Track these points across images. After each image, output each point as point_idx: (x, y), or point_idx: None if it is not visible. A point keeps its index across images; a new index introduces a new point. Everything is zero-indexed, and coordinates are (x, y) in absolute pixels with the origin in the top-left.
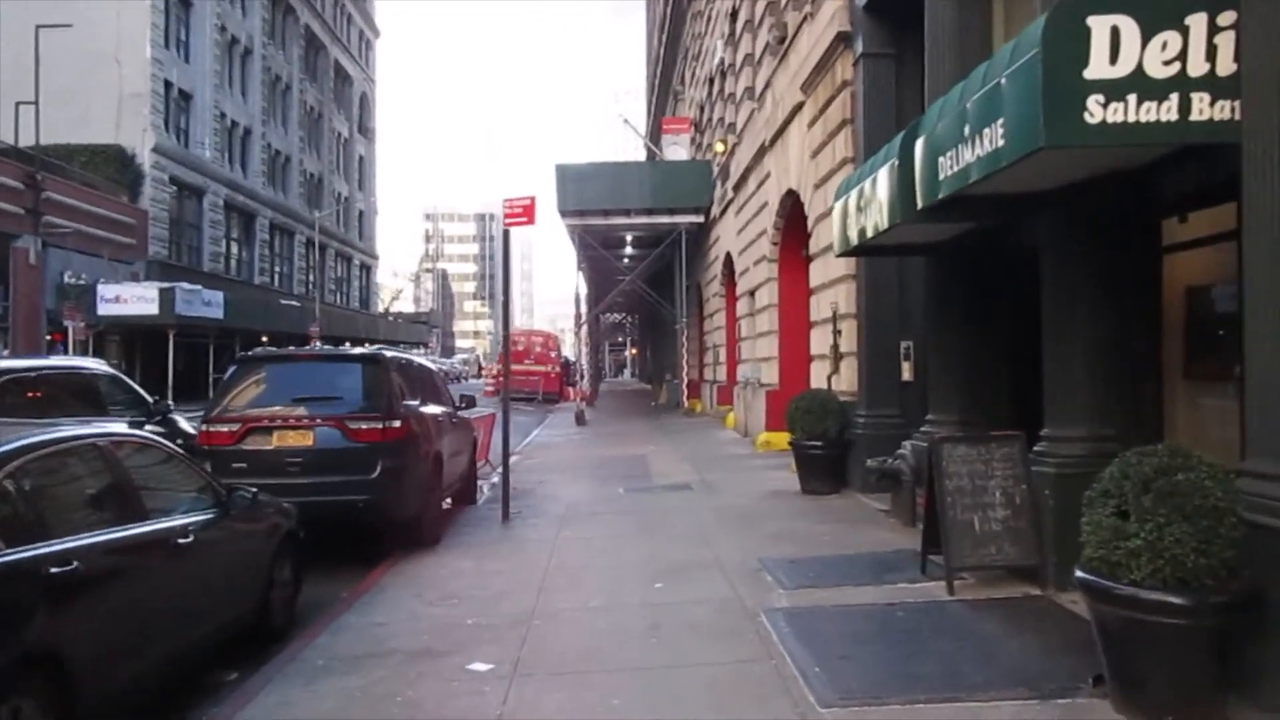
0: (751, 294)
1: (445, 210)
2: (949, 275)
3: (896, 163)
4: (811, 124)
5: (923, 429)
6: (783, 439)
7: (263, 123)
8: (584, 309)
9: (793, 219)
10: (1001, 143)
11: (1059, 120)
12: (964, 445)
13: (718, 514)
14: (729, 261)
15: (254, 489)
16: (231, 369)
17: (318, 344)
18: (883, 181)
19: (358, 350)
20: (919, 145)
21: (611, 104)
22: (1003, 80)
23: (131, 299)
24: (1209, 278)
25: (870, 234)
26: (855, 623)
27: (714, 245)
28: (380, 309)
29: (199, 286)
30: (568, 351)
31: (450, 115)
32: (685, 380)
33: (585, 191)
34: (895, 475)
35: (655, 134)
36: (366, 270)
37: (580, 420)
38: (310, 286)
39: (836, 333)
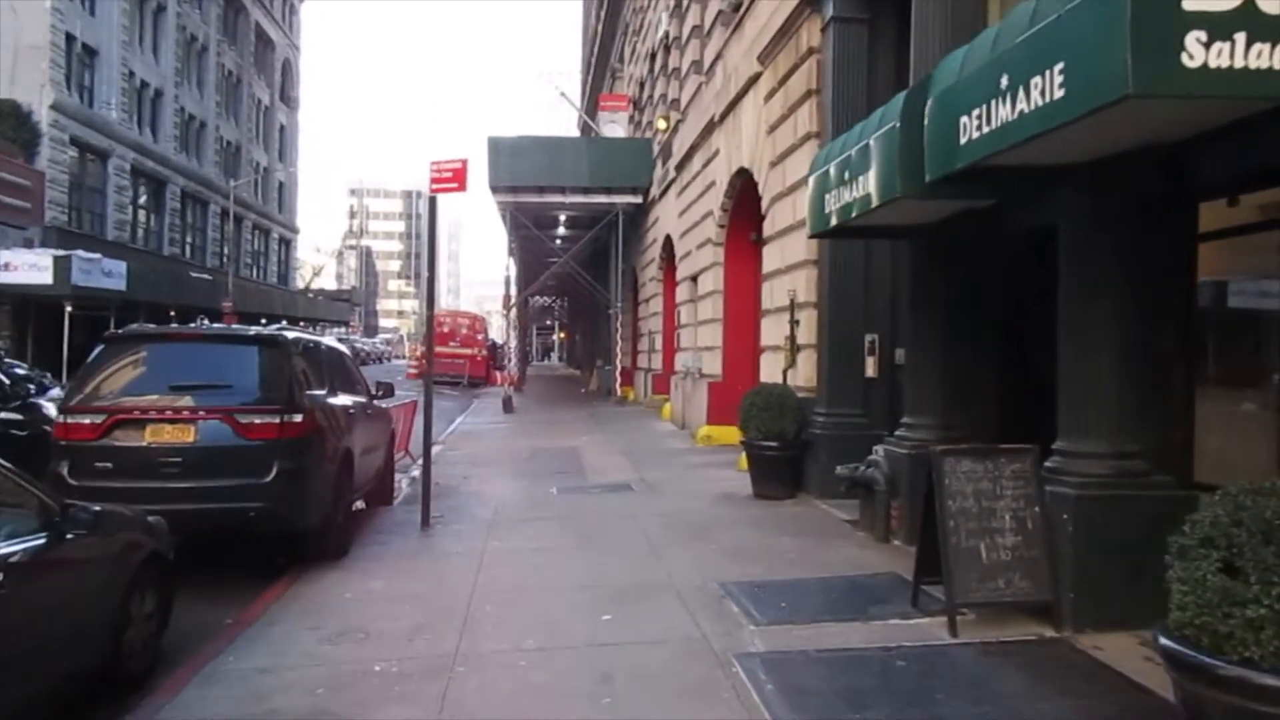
0: (694, 279)
1: (371, 186)
2: (935, 261)
3: (897, 126)
4: (769, 97)
5: (897, 433)
6: (726, 434)
7: (176, 85)
8: (514, 291)
9: (743, 200)
10: (1060, 93)
11: (1149, 62)
12: (969, 459)
13: (665, 521)
14: (669, 244)
15: (98, 506)
16: (97, 349)
17: (205, 321)
18: (876, 150)
19: (253, 329)
20: (930, 106)
21: (545, 85)
22: (1063, 15)
23: (22, 267)
24: (1255, 269)
25: (855, 212)
26: (850, 674)
27: (652, 227)
28: (300, 285)
29: (98, 255)
30: (495, 334)
31: (379, 90)
32: (619, 367)
33: (519, 167)
34: (868, 485)
35: (592, 113)
36: (286, 244)
37: (508, 407)
38: (225, 259)
39: (794, 323)
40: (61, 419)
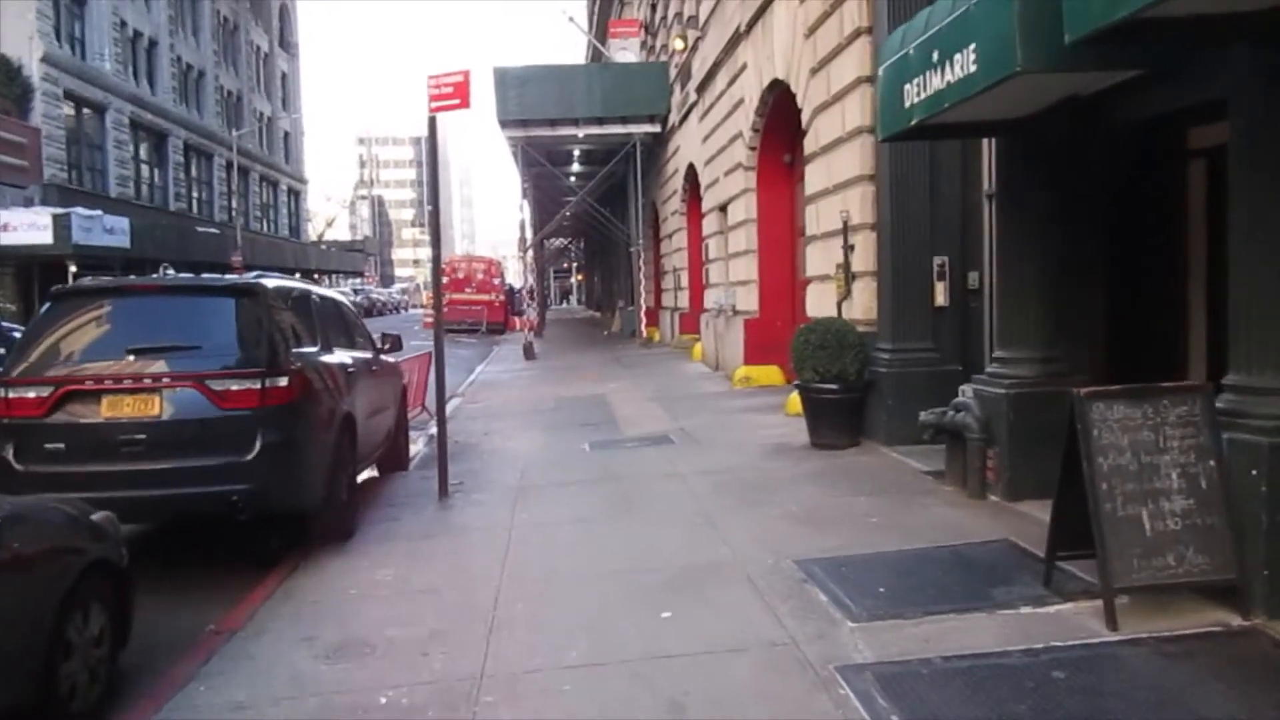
0: (722, 209)
1: (380, 134)
2: (1031, 164)
3: None
4: None
5: (990, 369)
6: (765, 374)
7: (170, 33)
8: (529, 233)
9: (778, 116)
10: None
11: None
12: (1124, 403)
13: (715, 480)
14: (691, 174)
15: (8, 505)
16: (44, 307)
17: (169, 270)
18: (983, 16)
19: (227, 278)
20: None
21: (552, 20)
22: None
23: (22, 226)
24: None
25: (950, 101)
26: (998, 695)
27: (672, 157)
28: (312, 237)
29: (99, 211)
30: (512, 279)
31: (383, 34)
32: (642, 308)
33: (528, 98)
34: (957, 431)
35: (601, 42)
36: (295, 195)
37: (529, 353)
38: (233, 213)
39: (848, 248)
40: (1, 393)
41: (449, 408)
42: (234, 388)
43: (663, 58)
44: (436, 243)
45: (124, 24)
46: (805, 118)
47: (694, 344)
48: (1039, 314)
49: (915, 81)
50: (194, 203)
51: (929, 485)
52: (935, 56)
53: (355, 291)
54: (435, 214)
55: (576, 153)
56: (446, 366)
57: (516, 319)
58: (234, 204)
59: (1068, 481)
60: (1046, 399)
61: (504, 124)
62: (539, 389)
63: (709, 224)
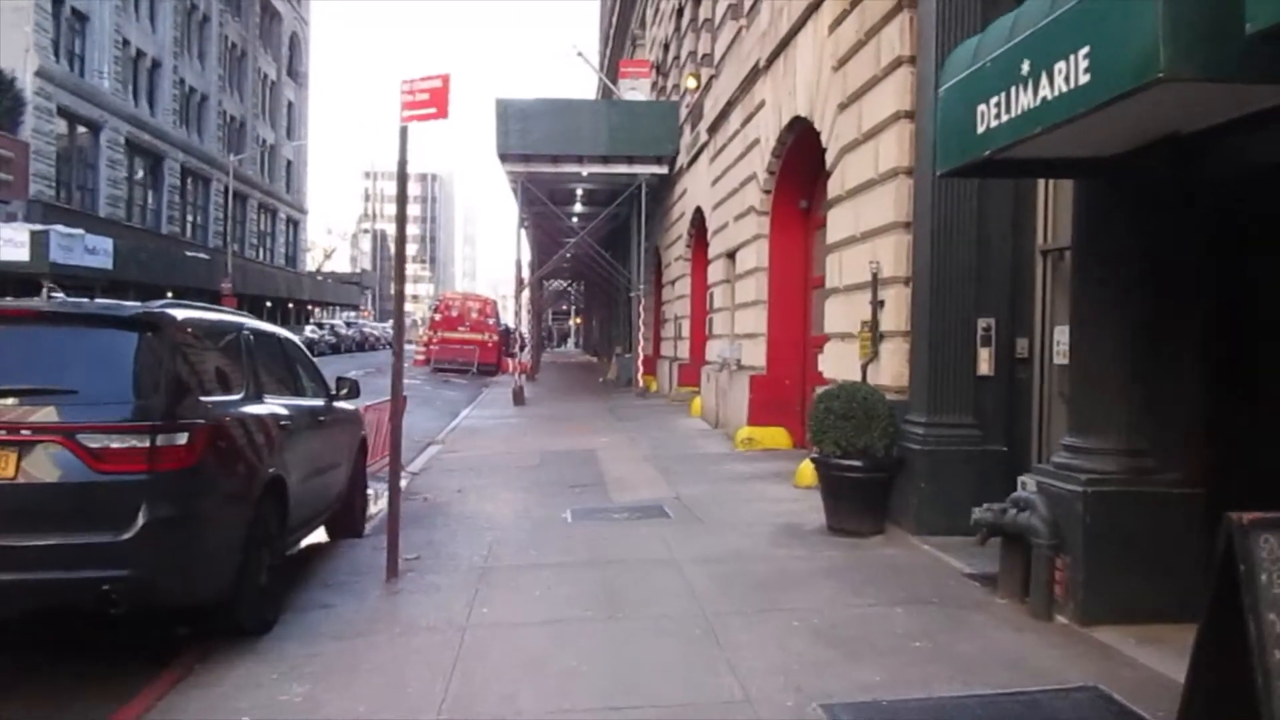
0: (730, 256)
1: (387, 169)
2: (1122, 213)
3: None
4: (836, 23)
5: (1058, 459)
6: (770, 436)
7: (175, 55)
8: (526, 272)
9: (796, 158)
10: None
11: None
12: None
13: (717, 572)
14: (699, 218)
15: None
16: None
17: (56, 293)
18: (1106, 12)
19: (126, 306)
20: None
21: (563, 61)
22: None
23: None
24: None
25: (1052, 120)
26: None
27: (679, 200)
28: (311, 267)
29: (80, 230)
30: (508, 319)
31: (394, 71)
32: (640, 356)
33: (531, 132)
34: (1020, 535)
35: (611, 82)
36: (294, 225)
37: (518, 398)
38: (228, 239)
39: (877, 304)
40: None
41: (422, 459)
42: (115, 445)
43: (674, 98)
44: (400, 273)
45: (126, 43)
46: (830, 158)
47: (693, 397)
48: (1122, 395)
49: (994, 101)
50: (188, 227)
51: (978, 595)
52: (1026, 67)
53: (348, 325)
54: (401, 240)
55: (579, 192)
56: (430, 409)
57: (509, 360)
58: (229, 230)
59: (1215, 639)
60: (1133, 501)
61: (504, 158)
62: (525, 440)
63: (715, 271)
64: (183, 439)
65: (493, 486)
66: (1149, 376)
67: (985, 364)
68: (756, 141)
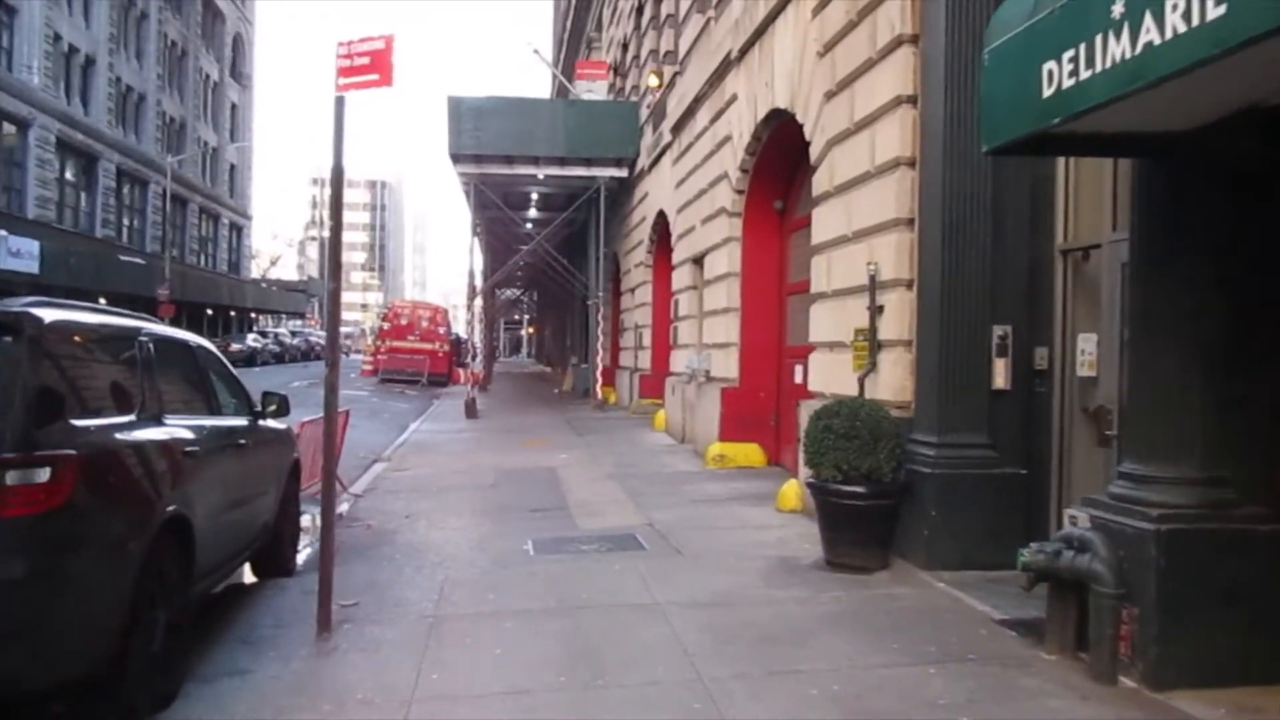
0: (697, 261)
1: None
2: (1197, 204)
3: None
4: (821, 6)
5: (1116, 488)
6: (743, 453)
7: (111, 52)
8: (479, 280)
9: (772, 153)
10: None
11: None
12: None
13: (710, 623)
14: (661, 223)
15: None
16: None
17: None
18: None
19: None
20: None
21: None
22: None
23: None
24: None
25: (1167, 68)
26: None
27: (639, 205)
28: (256, 274)
29: (3, 232)
30: (460, 329)
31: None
32: (598, 366)
33: (485, 132)
34: (1077, 580)
35: (567, 82)
36: (238, 231)
37: (471, 411)
38: (166, 244)
39: (875, 310)
40: None
41: (366, 479)
42: None
43: (633, 99)
44: (336, 264)
45: (58, 38)
46: (815, 151)
47: (656, 410)
48: (1199, 414)
49: (1068, 56)
50: (124, 231)
51: (1019, 649)
52: (1119, 7)
53: (293, 334)
54: (336, 229)
55: (534, 196)
56: (377, 422)
57: (461, 371)
58: (169, 235)
59: None
60: (1214, 540)
61: (456, 158)
62: (479, 456)
63: (680, 278)
64: (43, 475)
65: (444, 511)
66: (1229, 391)
67: (1000, 376)
68: (727, 139)
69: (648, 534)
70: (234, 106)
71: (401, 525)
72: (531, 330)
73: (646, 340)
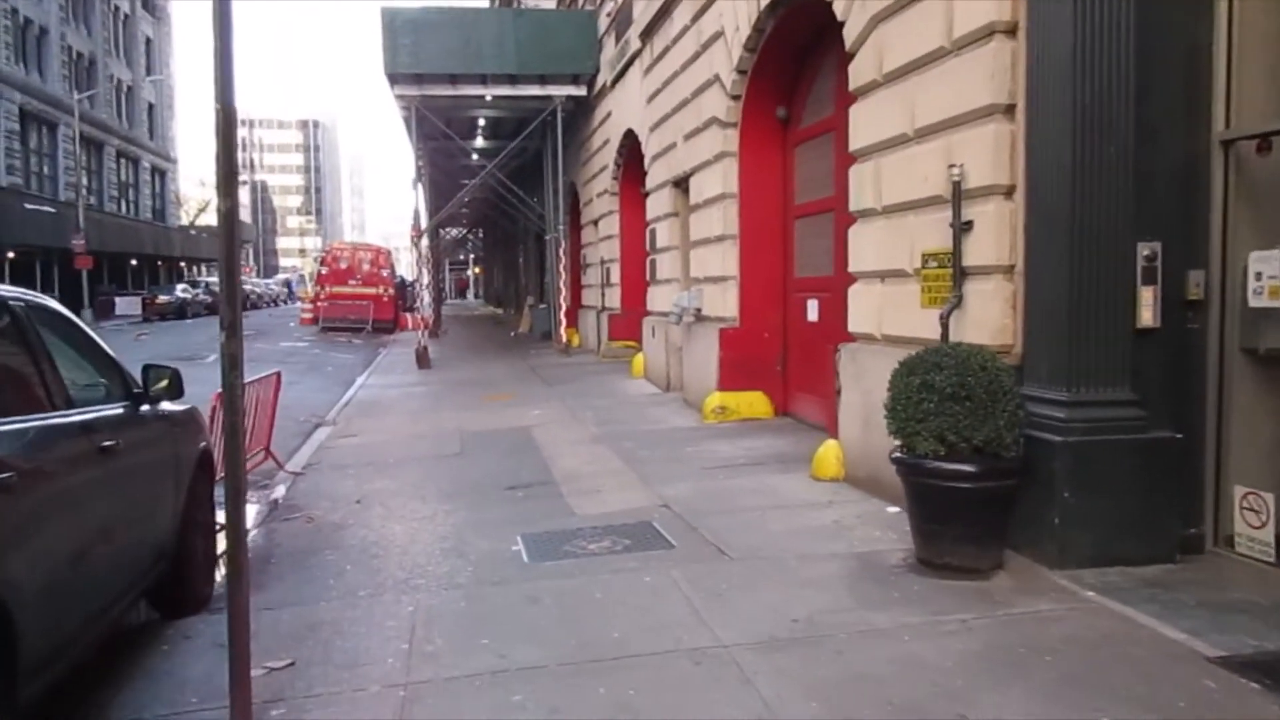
0: (680, 183)
1: (265, 116)
2: None
3: None
4: None
5: None
6: (747, 403)
7: None
8: (424, 218)
9: (776, 49)
10: None
11: None
12: None
13: (802, 681)
14: (630, 144)
15: None
16: None
17: None
18: None
19: None
20: None
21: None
22: None
23: None
24: None
25: None
26: None
27: (601, 126)
28: (185, 221)
29: None
30: (404, 271)
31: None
32: (562, 307)
33: (425, 48)
34: None
35: None
36: (161, 175)
37: (423, 361)
38: (85, 191)
39: (960, 227)
40: None
41: (307, 450)
42: None
43: (588, 7)
44: (230, 175)
45: None
46: (853, 32)
47: (632, 355)
48: None
49: None
50: (34, 178)
51: (1270, 709)
52: None
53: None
54: (229, 131)
55: (482, 122)
56: (319, 378)
57: (408, 316)
58: (83, 181)
59: None
60: None
61: (393, 79)
62: (439, 416)
63: (658, 204)
64: None
65: (404, 492)
66: None
67: (1149, 310)
68: (719, 35)
69: (668, 521)
70: (149, 41)
71: (351, 515)
72: (478, 271)
73: (615, 276)
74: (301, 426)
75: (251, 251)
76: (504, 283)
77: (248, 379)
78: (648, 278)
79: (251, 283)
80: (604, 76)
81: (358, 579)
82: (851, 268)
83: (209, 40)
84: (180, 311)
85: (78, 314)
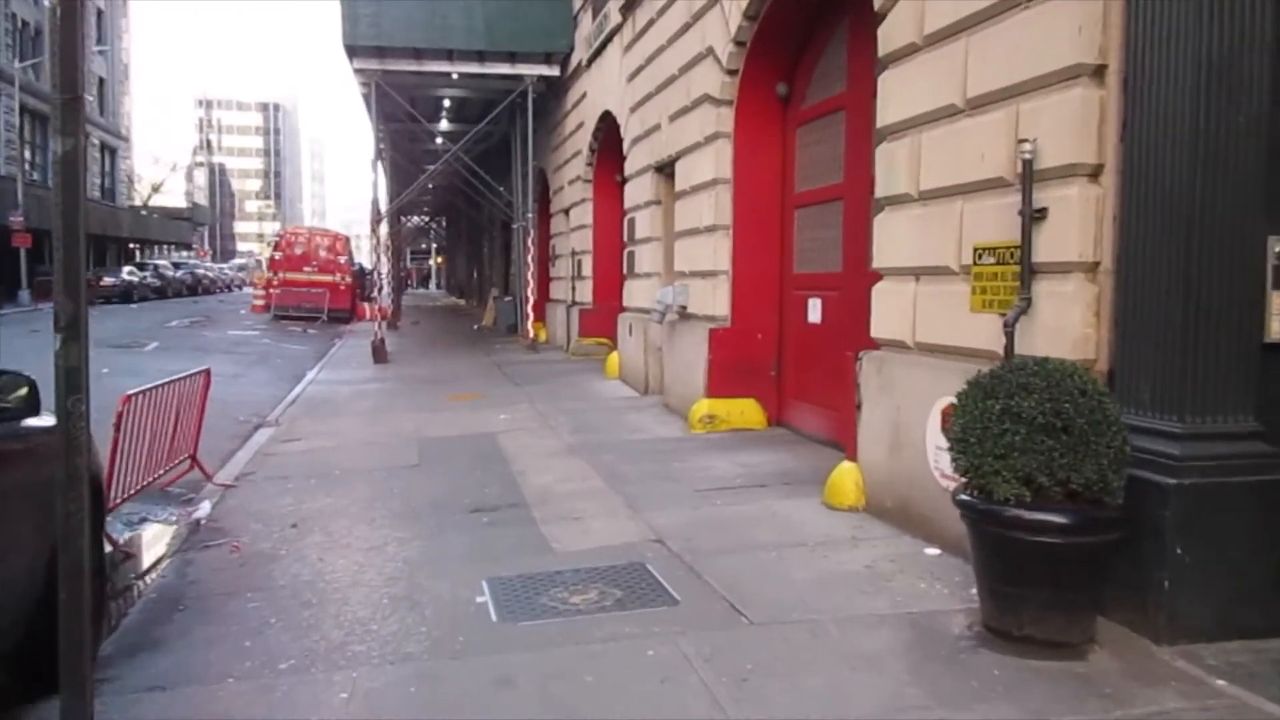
0: (664, 168)
1: (224, 97)
2: None
3: None
4: None
5: None
6: (739, 411)
7: None
8: (383, 202)
9: (781, 17)
10: None
11: None
12: None
13: None
14: (607, 126)
15: None
16: None
17: None
18: None
19: None
20: None
21: None
22: None
23: None
24: None
25: None
26: None
27: (576, 108)
28: (137, 201)
29: None
30: (363, 258)
31: None
32: (529, 299)
33: (387, 18)
34: None
35: None
36: (111, 153)
37: (380, 354)
38: (28, 167)
39: (1031, 215)
40: None
41: (243, 456)
42: None
43: None
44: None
45: None
46: None
47: (603, 353)
48: None
49: None
50: None
51: None
52: None
53: (176, 266)
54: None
55: (447, 103)
56: (266, 370)
57: (366, 306)
58: (25, 155)
59: None
60: None
61: (352, 51)
62: (395, 418)
63: (638, 191)
64: None
65: (350, 513)
66: None
67: (1279, 320)
68: (714, 1)
69: (665, 562)
70: (100, 13)
71: (286, 542)
72: (440, 261)
73: (587, 269)
74: (240, 427)
75: (207, 234)
76: (467, 273)
77: (174, 376)
78: (624, 271)
79: (204, 266)
80: (579, 55)
81: (281, 641)
82: (876, 263)
83: (174, 29)
84: (126, 295)
85: (14, 295)
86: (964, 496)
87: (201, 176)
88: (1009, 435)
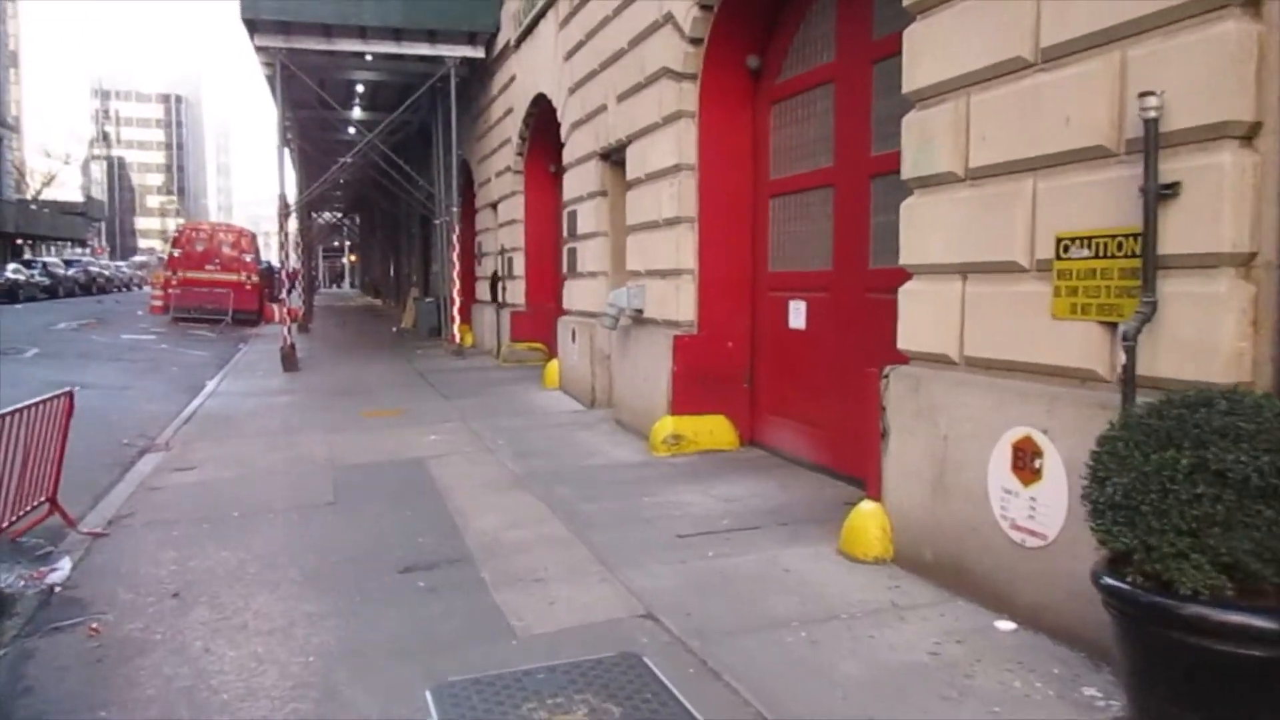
0: (609, 155)
1: (124, 88)
2: None
3: None
4: None
5: None
6: (707, 430)
7: None
8: (291, 195)
9: None
10: None
11: None
12: None
13: None
14: (541, 111)
15: None
16: None
17: None
18: None
19: None
20: None
21: None
22: None
23: None
24: None
25: None
26: None
27: (504, 93)
28: (26, 195)
29: None
30: (270, 256)
31: None
32: (455, 301)
33: None
34: None
35: None
36: None
37: (289, 361)
38: None
39: (1160, 192)
40: None
41: (121, 492)
42: None
43: None
44: None
45: None
46: None
47: (539, 359)
48: None
49: None
50: None
51: None
52: None
53: (68, 263)
54: None
55: (361, 88)
56: (160, 380)
57: (274, 307)
58: None
59: None
60: None
61: (253, 26)
62: (306, 440)
63: (580, 181)
64: None
65: (247, 575)
66: None
67: None
68: None
69: (666, 653)
70: None
71: (162, 622)
72: (354, 259)
73: (519, 268)
74: (123, 452)
75: (104, 231)
76: (383, 271)
77: (27, 401)
78: (564, 270)
79: (100, 264)
80: (506, 34)
81: None
82: (904, 259)
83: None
84: (11, 294)
85: None
86: (1113, 581)
87: (99, 170)
88: (1206, 502)
